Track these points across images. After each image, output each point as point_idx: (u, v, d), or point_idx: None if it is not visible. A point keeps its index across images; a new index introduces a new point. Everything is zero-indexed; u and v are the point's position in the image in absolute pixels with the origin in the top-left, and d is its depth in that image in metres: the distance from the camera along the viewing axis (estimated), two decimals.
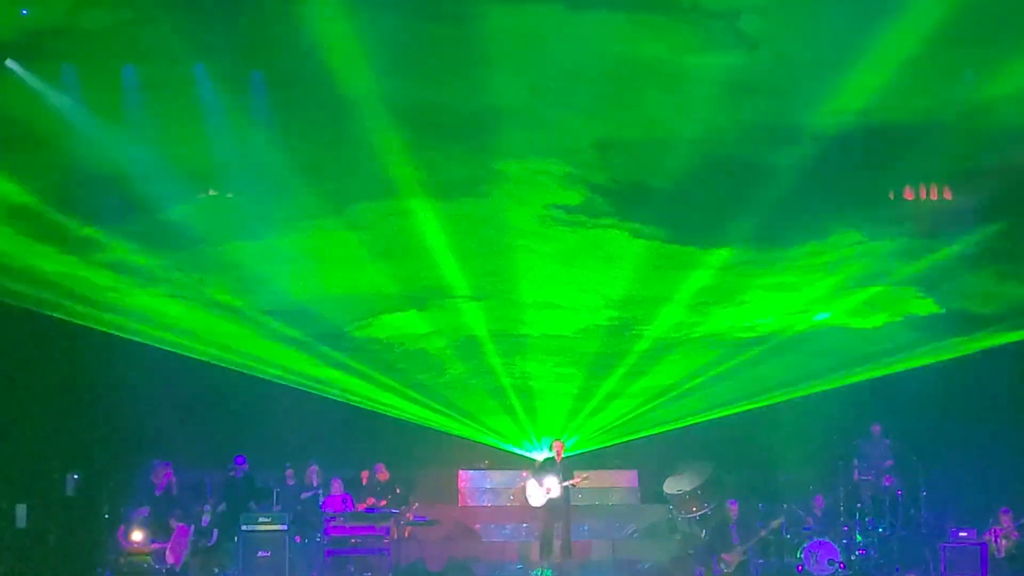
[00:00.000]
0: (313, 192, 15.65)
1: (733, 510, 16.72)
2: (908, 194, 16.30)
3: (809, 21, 12.89)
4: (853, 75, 13.63)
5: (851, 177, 15.42)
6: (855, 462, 18.09)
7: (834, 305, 18.61)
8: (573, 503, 17.87)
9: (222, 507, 17.21)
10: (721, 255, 17.06)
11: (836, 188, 15.55)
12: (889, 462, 18.02)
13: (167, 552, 15.98)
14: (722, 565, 16.30)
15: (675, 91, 13.93)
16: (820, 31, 12.95)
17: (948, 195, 16.34)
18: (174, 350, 18.19)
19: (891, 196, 16.40)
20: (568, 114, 14.42)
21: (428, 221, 16.32)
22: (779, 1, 12.93)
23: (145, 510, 16.32)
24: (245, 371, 18.72)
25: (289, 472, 17.97)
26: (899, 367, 18.87)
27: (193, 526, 16.41)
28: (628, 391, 20.09)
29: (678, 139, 14.67)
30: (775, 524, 16.80)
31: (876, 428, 18.44)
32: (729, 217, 16.11)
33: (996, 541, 16.29)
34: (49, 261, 16.47)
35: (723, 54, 13.29)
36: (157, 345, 18.06)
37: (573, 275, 17.84)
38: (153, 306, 17.90)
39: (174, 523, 16.19)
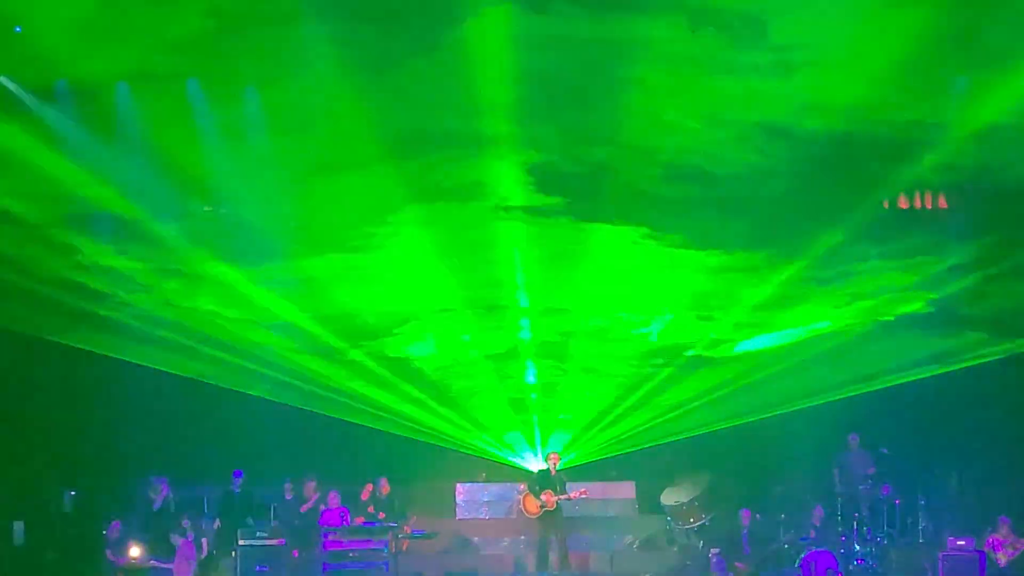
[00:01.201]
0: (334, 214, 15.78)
1: (744, 519, 16.78)
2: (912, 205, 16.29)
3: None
4: (857, 80, 13.64)
5: (853, 184, 15.41)
6: (835, 473, 18.12)
7: (838, 317, 18.64)
8: (571, 515, 17.87)
9: (217, 523, 17.20)
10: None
11: (837, 194, 15.54)
12: (871, 469, 18.02)
13: (174, 569, 15.88)
14: (732, 572, 16.33)
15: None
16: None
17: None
18: (169, 369, 18.21)
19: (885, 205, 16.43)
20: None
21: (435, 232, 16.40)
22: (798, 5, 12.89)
23: (117, 524, 16.31)
24: (238, 386, 18.78)
25: (288, 486, 17.98)
26: (900, 380, 18.91)
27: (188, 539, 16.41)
28: (632, 405, 20.11)
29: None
30: (788, 537, 16.86)
31: (854, 438, 18.44)
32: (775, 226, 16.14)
33: (996, 551, 16.27)
34: (43, 270, 16.52)
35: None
36: (152, 365, 18.08)
37: (572, 281, 17.86)
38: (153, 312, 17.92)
39: (176, 539, 16.12)
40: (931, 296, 18.01)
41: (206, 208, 16.23)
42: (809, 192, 15.21)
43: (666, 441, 19.74)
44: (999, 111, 13.89)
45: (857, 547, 16.92)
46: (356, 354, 19.13)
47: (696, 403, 19.85)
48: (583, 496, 17.70)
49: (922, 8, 12.42)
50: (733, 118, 14.21)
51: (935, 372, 18.80)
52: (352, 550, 16.63)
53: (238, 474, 17.66)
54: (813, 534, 17.26)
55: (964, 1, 12.50)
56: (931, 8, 12.39)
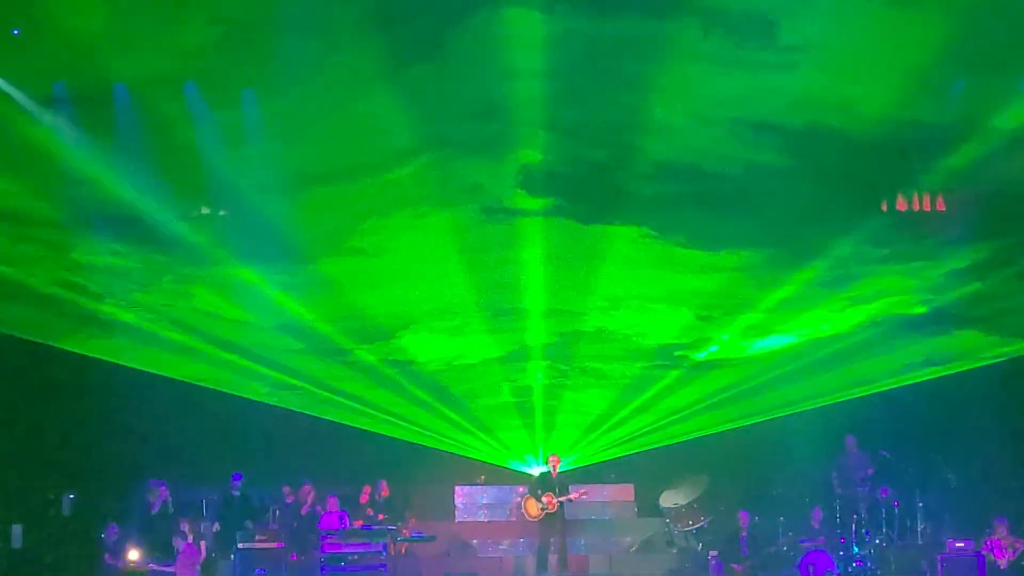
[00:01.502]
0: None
1: (743, 521, 16.81)
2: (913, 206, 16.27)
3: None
4: (874, 80, 13.64)
5: (856, 186, 15.40)
6: (833, 475, 18.13)
7: (838, 320, 18.67)
8: (569, 517, 17.89)
9: (216, 526, 17.20)
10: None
11: (840, 196, 15.52)
12: (870, 471, 18.04)
13: (177, 572, 15.84)
14: (730, 575, 16.36)
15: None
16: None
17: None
18: (166, 372, 18.21)
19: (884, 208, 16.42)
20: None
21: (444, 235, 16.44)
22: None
23: (114, 527, 16.30)
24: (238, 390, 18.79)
25: (286, 490, 17.99)
26: (899, 382, 18.93)
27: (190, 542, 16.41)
28: (631, 408, 20.12)
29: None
30: (787, 539, 16.88)
31: (851, 439, 18.46)
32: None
33: (994, 552, 16.28)
34: (42, 272, 16.54)
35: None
36: (149, 368, 18.08)
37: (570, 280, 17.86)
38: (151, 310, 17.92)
39: (179, 542, 16.08)
40: (930, 299, 18.01)
41: (204, 210, 16.20)
42: (813, 194, 15.19)
43: (665, 444, 19.77)
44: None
45: (856, 549, 16.94)
46: (357, 357, 19.14)
47: (695, 406, 19.89)
48: (584, 497, 17.73)
49: (930, 10, 12.43)
50: (734, 118, 14.19)
51: (933, 374, 18.84)
52: (351, 553, 16.63)
53: (237, 477, 17.68)
54: (816, 535, 17.29)
55: (974, 4, 12.49)
56: (939, 10, 12.40)
